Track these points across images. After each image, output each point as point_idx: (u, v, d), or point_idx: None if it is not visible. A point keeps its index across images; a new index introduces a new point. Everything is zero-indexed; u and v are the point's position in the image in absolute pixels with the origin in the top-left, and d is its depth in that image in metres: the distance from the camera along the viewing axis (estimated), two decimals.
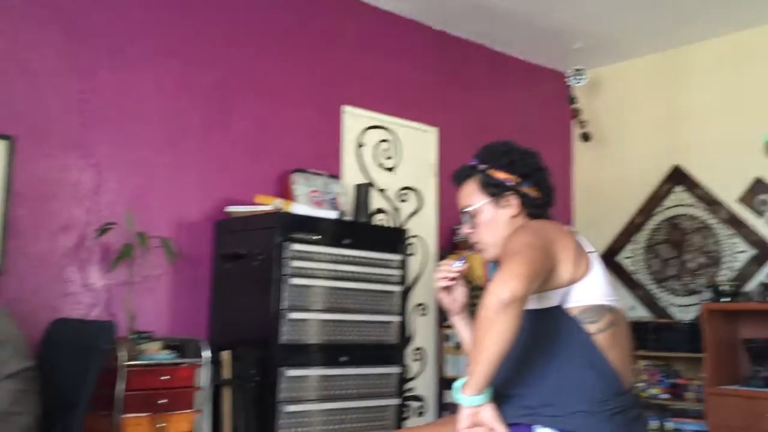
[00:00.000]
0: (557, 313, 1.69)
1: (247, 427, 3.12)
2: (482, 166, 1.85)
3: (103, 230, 3.17)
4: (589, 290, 1.70)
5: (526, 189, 1.83)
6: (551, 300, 1.70)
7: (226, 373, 3.16)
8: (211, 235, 3.60)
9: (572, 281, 1.69)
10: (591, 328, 1.67)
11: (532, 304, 1.68)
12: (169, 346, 3.11)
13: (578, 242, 1.76)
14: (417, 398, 4.38)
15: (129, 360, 2.86)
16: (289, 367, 3.18)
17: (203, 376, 3.06)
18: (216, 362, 3.14)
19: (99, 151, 3.34)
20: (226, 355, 3.17)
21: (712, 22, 4.54)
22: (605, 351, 1.67)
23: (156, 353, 3.02)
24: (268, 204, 3.45)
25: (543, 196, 1.85)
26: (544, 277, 1.63)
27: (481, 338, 1.53)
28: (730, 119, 4.59)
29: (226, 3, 3.83)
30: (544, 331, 1.70)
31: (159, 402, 2.91)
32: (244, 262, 3.37)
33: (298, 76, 4.06)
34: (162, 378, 2.95)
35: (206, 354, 3.08)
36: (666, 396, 4.42)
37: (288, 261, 3.23)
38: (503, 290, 1.50)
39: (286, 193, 3.77)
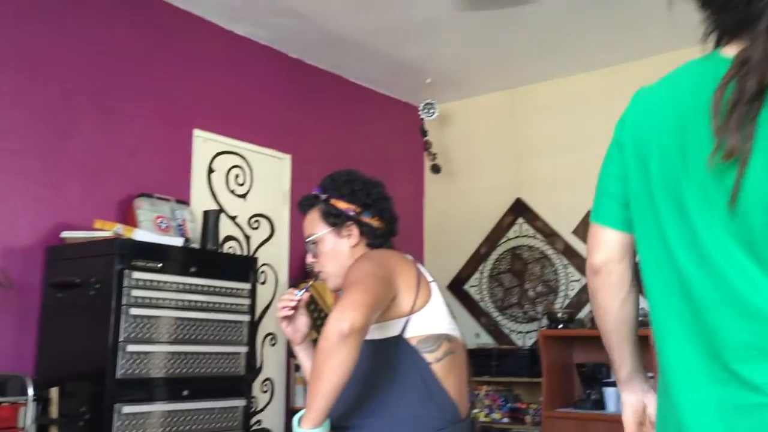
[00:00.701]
0: (397, 342, 1.70)
1: None
2: (324, 196, 1.85)
3: None
4: (429, 320, 1.73)
5: (368, 219, 1.85)
6: (391, 330, 1.71)
7: (54, 411, 2.92)
8: (42, 262, 3.34)
9: (412, 311, 1.71)
10: (429, 357, 1.70)
11: (373, 334, 1.68)
12: None
13: (419, 271, 1.79)
14: (265, 431, 4.27)
15: None
16: (126, 403, 2.99)
17: (27, 416, 2.81)
18: (42, 400, 2.89)
19: None
20: (54, 392, 2.94)
21: (547, 65, 4.87)
22: (442, 380, 1.70)
23: None
24: (108, 230, 3.26)
25: (385, 225, 1.88)
26: (384, 307, 1.65)
27: (319, 369, 1.51)
28: (565, 156, 4.92)
29: (68, 13, 3.61)
30: (384, 361, 1.71)
31: None
32: (78, 291, 3.15)
33: (147, 96, 3.89)
34: None
35: (31, 391, 2.83)
36: (507, 420, 4.59)
37: (128, 290, 3.06)
38: (343, 321, 1.49)
39: (129, 219, 3.58)
